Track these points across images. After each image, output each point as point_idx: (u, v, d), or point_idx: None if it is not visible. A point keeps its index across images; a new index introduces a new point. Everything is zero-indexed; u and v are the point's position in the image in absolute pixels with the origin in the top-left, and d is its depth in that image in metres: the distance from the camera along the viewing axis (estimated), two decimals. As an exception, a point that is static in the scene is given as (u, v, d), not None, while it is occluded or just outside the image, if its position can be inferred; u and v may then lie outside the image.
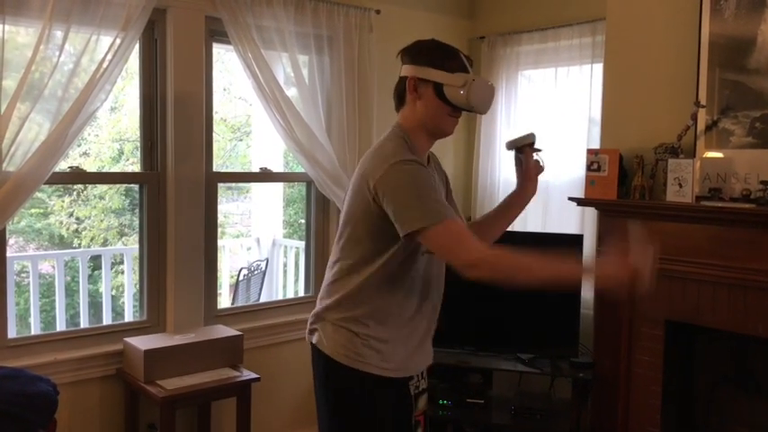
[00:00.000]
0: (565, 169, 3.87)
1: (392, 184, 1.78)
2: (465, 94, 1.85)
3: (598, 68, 3.66)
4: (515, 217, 2.21)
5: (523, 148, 2.12)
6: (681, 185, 2.93)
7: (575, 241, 3.55)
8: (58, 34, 2.70)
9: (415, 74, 1.89)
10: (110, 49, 2.80)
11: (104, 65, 2.78)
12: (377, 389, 1.90)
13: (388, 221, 1.79)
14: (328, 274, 1.98)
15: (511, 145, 2.14)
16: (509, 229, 4.13)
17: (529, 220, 4.02)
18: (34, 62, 2.62)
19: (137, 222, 4.05)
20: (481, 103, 1.89)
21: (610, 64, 3.41)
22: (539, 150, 2.13)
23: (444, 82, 1.86)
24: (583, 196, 3.32)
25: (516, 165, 2.15)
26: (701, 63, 3.01)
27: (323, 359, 1.92)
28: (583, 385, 3.43)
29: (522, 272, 1.76)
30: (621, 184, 3.21)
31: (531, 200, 2.17)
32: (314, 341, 1.97)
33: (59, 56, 2.69)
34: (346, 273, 1.91)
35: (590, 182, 3.27)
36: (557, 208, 3.88)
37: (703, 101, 2.99)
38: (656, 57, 3.22)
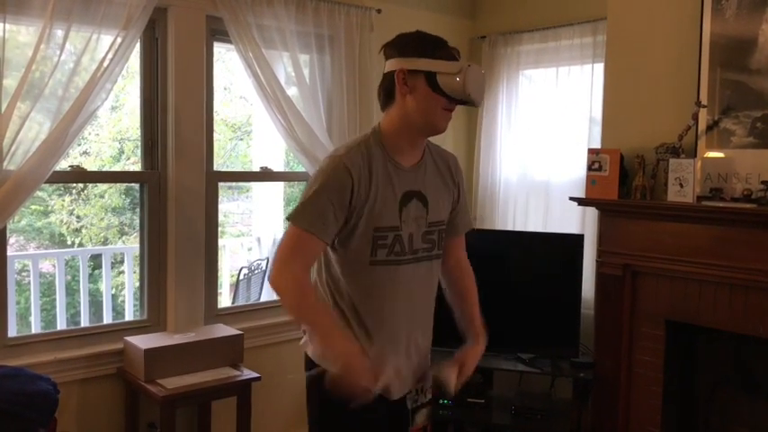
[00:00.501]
0: (566, 169, 3.87)
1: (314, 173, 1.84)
2: (461, 82, 1.72)
3: (599, 68, 3.66)
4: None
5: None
6: (682, 185, 2.93)
7: (575, 241, 3.56)
8: (59, 33, 2.70)
9: (404, 66, 1.76)
10: (110, 48, 2.80)
11: (105, 64, 2.78)
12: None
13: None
14: None
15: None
16: (513, 229, 4.14)
17: (530, 220, 4.03)
18: (35, 61, 2.62)
19: (137, 221, 4.05)
20: (477, 91, 1.76)
21: (610, 64, 3.41)
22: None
23: (438, 70, 1.73)
24: (584, 196, 3.32)
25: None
26: (702, 63, 3.01)
27: (314, 367, 1.86)
28: (583, 385, 3.43)
29: (302, 312, 1.78)
30: (622, 183, 3.21)
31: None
32: (308, 351, 1.90)
33: (60, 55, 2.69)
34: (318, 282, 1.89)
35: (591, 182, 3.26)
36: (557, 208, 3.88)
37: (704, 101, 2.99)
38: (657, 57, 3.22)
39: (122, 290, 5.81)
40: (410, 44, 1.79)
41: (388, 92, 1.83)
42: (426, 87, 1.75)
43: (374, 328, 1.84)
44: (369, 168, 1.79)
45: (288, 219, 1.77)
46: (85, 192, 6.95)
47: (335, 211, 1.75)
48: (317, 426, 1.90)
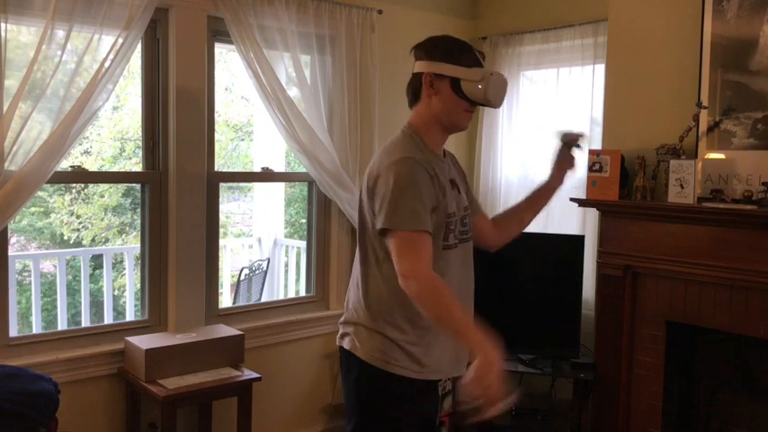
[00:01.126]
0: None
1: (384, 179, 1.81)
2: (483, 89, 1.86)
3: (600, 69, 3.66)
4: (541, 208, 2.23)
5: (570, 143, 2.21)
6: (682, 186, 2.93)
7: (576, 242, 3.56)
8: (61, 33, 2.70)
9: (432, 69, 1.89)
10: (112, 48, 2.80)
11: (106, 64, 2.78)
12: (408, 389, 1.90)
13: None
14: (354, 279, 1.98)
15: (564, 136, 2.22)
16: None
17: (530, 221, 4.02)
18: (36, 61, 2.62)
19: (137, 221, 4.05)
20: (498, 97, 1.90)
21: (611, 65, 3.41)
22: (579, 147, 2.23)
23: (462, 77, 1.87)
24: (584, 197, 3.32)
25: (555, 157, 2.23)
26: (702, 64, 3.01)
27: (356, 363, 1.91)
28: (584, 386, 3.43)
29: (437, 310, 1.72)
30: (623, 184, 3.21)
31: (556, 193, 2.25)
32: (346, 346, 1.95)
33: (61, 55, 2.69)
34: (370, 276, 1.91)
35: (591, 183, 3.27)
36: (558, 209, 3.87)
37: (705, 102, 2.99)
38: (658, 58, 3.22)
39: (123, 290, 5.82)
40: (438, 48, 1.91)
41: (415, 91, 1.96)
42: (450, 91, 1.89)
43: None
44: (425, 161, 1.87)
45: (390, 228, 1.78)
46: (86, 191, 6.96)
47: (425, 202, 1.81)
48: (363, 415, 1.93)
